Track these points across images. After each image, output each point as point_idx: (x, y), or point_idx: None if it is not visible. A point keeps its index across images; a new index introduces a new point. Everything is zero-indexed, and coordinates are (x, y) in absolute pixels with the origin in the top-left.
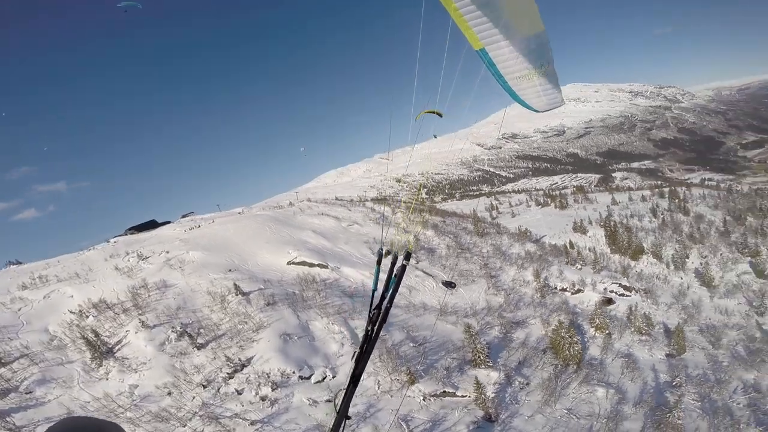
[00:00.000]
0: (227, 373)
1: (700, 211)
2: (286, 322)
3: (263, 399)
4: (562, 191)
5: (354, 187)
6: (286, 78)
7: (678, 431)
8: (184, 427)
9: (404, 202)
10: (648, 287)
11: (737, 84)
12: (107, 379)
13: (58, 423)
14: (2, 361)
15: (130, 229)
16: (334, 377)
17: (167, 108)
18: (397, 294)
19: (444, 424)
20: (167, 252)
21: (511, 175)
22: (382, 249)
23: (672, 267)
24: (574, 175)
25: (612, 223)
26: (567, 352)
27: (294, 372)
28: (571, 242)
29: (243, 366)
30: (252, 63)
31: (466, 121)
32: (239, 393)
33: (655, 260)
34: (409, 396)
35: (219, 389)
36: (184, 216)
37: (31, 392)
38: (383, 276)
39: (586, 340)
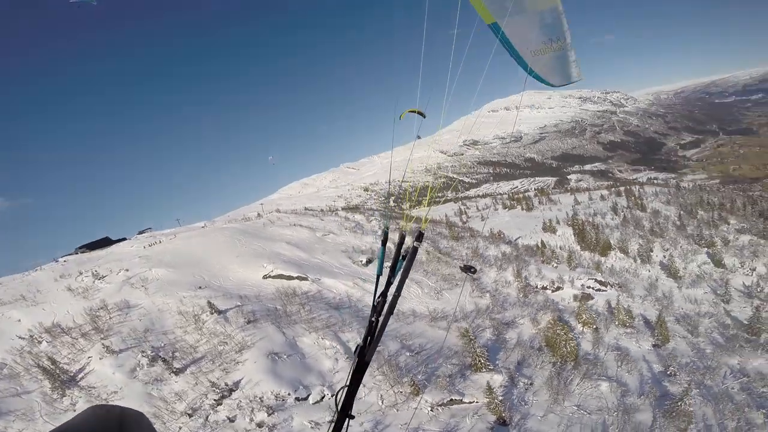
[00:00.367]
0: (214, 400)
1: (656, 207)
2: (271, 340)
3: (260, 426)
4: (525, 194)
5: (320, 198)
6: (246, 88)
7: (690, 418)
8: None
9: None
10: (621, 281)
11: (674, 88)
12: (74, 410)
13: (85, 410)
14: None
15: (80, 247)
16: (332, 396)
17: (118, 119)
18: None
19: None
20: (126, 270)
21: (474, 181)
22: (387, 227)
23: (639, 261)
24: (532, 179)
25: (579, 222)
26: (564, 349)
27: (289, 394)
28: (542, 242)
29: (231, 390)
30: (209, 73)
31: (430, 128)
32: (231, 420)
33: (623, 255)
34: (415, 408)
35: (207, 417)
36: (141, 232)
37: None
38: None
39: (576, 335)
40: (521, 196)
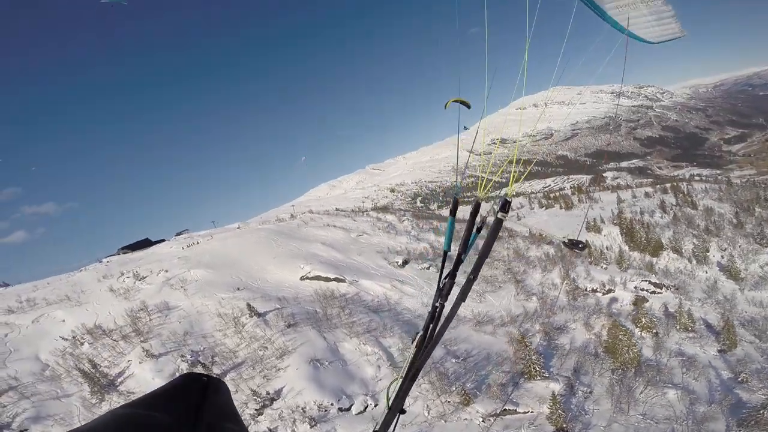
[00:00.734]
0: (255, 409)
1: (708, 205)
2: (312, 345)
3: None
4: (560, 192)
5: (347, 199)
6: (274, 94)
7: None
8: None
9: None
10: (677, 283)
11: (712, 81)
12: None
13: (177, 377)
14: None
15: (122, 248)
16: (376, 405)
17: (155, 128)
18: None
19: None
20: (166, 271)
21: (503, 180)
22: (457, 192)
23: (694, 261)
24: (565, 177)
25: (626, 221)
26: (626, 355)
27: (332, 404)
28: (587, 242)
29: (272, 400)
30: (238, 80)
31: (456, 127)
32: None
33: (676, 255)
34: (465, 419)
35: (248, 428)
36: (178, 234)
37: (26, 430)
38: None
39: (635, 341)
40: (558, 194)
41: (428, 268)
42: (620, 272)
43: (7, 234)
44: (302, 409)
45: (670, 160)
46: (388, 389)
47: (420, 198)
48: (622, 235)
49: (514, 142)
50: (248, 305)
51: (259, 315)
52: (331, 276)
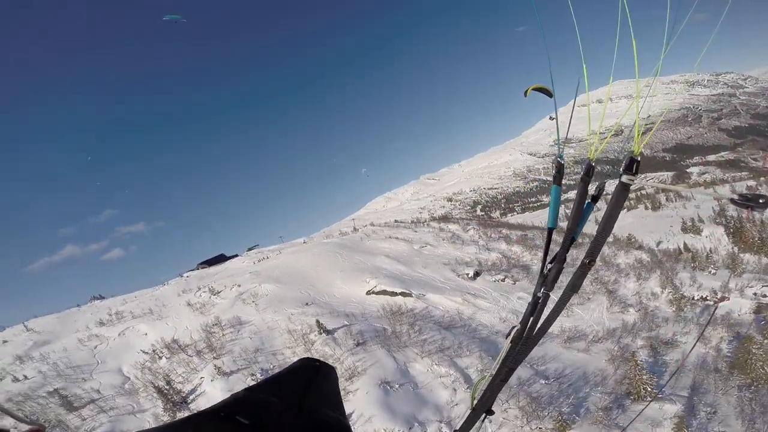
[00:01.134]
0: None
1: None
2: (382, 366)
3: None
4: (640, 192)
5: (403, 211)
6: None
7: None
8: None
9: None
10: None
11: None
12: None
13: (296, 361)
14: (74, 405)
15: (201, 263)
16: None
17: (225, 152)
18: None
19: None
20: (239, 286)
21: (572, 182)
22: (561, 155)
23: None
24: (642, 175)
25: (733, 220)
26: (759, 370)
27: None
28: (685, 245)
29: None
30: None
31: (511, 131)
32: None
33: None
34: None
35: None
36: (250, 249)
37: None
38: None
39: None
40: (639, 194)
41: (503, 280)
42: (734, 277)
43: (106, 252)
44: None
45: (767, 150)
46: (475, 388)
47: (480, 206)
48: (728, 236)
49: (580, 141)
50: (317, 322)
51: (328, 332)
52: (398, 290)
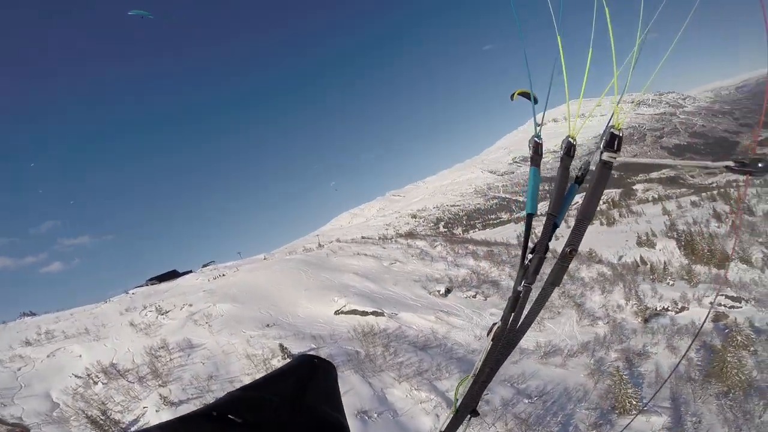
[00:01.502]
0: None
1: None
2: (358, 394)
3: None
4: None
5: (370, 227)
6: (297, 124)
7: None
8: None
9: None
10: (755, 296)
11: (733, 83)
12: None
13: (294, 358)
14: None
15: (150, 279)
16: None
17: (181, 163)
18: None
19: None
20: (190, 305)
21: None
22: (539, 134)
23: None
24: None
25: (683, 233)
26: (736, 377)
27: None
28: (641, 258)
29: None
30: (259, 112)
31: (473, 149)
32: None
33: (746, 266)
34: None
35: None
36: (205, 265)
37: None
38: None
39: (744, 361)
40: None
41: (474, 297)
42: (690, 288)
43: (45, 265)
44: None
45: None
46: (457, 390)
47: (443, 223)
48: (680, 249)
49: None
50: (281, 346)
51: (293, 357)
52: (368, 309)
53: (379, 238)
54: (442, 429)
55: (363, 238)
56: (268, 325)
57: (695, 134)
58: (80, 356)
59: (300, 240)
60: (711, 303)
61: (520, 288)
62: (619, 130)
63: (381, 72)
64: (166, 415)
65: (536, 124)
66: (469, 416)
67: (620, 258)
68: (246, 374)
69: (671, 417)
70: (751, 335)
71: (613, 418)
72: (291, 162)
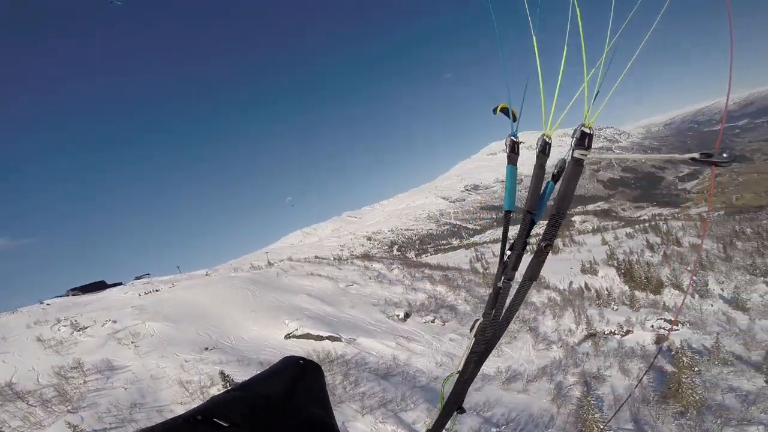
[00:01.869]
0: None
1: (692, 242)
2: None
3: None
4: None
5: (323, 247)
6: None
7: None
8: None
9: None
10: (690, 319)
11: (662, 119)
12: None
13: (279, 360)
14: None
15: (73, 289)
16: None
17: (118, 164)
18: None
19: None
20: (114, 321)
21: (478, 227)
22: (516, 131)
23: (697, 296)
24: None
25: (622, 262)
26: (690, 397)
27: None
28: (586, 284)
29: None
30: (210, 121)
31: (428, 175)
32: None
33: (678, 292)
34: None
35: None
36: (138, 278)
37: None
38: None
39: (698, 382)
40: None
41: (433, 321)
42: (632, 312)
43: None
44: None
45: (632, 200)
46: (443, 386)
47: (397, 246)
48: (620, 276)
49: (487, 188)
50: (221, 373)
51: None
52: (324, 334)
53: (335, 258)
54: (430, 428)
55: (317, 257)
56: (207, 349)
57: (627, 169)
58: None
59: (247, 256)
60: (652, 326)
61: (500, 284)
62: (589, 128)
63: (342, 94)
64: None
65: (512, 121)
66: (455, 412)
67: (570, 284)
68: (179, 403)
69: None
70: (695, 356)
71: None
72: (242, 176)
